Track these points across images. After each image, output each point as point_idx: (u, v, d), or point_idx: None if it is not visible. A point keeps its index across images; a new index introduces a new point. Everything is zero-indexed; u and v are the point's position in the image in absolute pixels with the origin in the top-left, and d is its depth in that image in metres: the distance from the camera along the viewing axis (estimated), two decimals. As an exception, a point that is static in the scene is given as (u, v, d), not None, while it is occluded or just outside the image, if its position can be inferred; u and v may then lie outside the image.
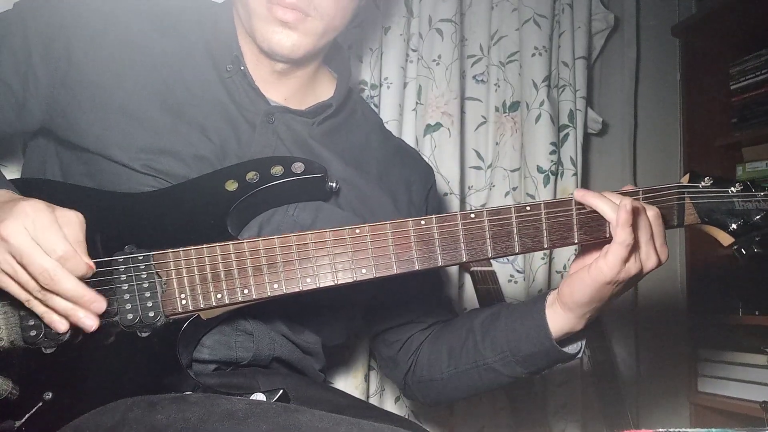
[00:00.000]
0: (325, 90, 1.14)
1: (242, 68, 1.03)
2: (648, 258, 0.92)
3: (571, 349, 1.02)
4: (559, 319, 0.98)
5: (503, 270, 1.96)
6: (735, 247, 0.96)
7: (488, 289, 1.81)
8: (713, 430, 0.75)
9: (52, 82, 0.97)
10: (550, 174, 1.91)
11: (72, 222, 0.80)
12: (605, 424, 1.92)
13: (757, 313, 2.14)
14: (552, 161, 1.91)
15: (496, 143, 1.99)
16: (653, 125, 2.44)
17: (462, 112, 1.91)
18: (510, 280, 1.97)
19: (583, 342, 1.03)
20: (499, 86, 1.99)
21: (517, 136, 1.97)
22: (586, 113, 2.07)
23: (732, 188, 0.95)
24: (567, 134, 1.97)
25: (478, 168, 1.98)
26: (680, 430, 0.71)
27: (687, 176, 0.98)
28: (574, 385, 2.01)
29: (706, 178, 0.96)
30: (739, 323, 2.22)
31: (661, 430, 0.71)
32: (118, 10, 1.00)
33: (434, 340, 1.16)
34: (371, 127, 1.20)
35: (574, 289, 0.94)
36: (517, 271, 1.97)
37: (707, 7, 2.40)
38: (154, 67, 1.00)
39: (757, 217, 0.94)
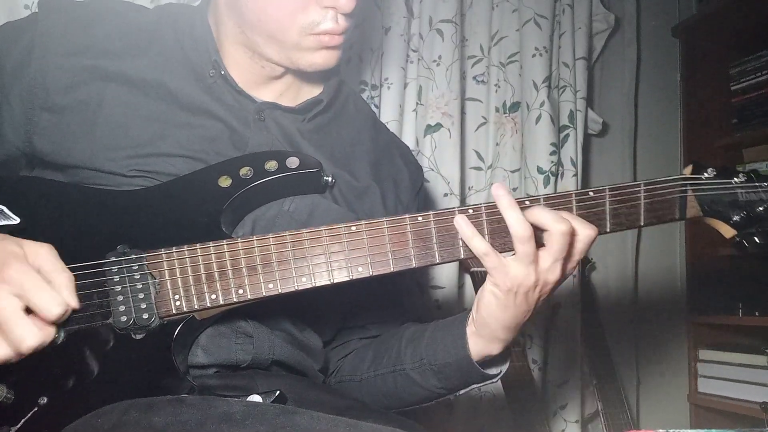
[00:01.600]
0: (317, 85, 1.12)
1: (222, 73, 1.02)
2: (551, 271, 0.87)
3: (489, 371, 0.97)
4: (474, 337, 0.94)
5: (503, 270, 1.95)
6: (737, 239, 0.92)
7: (488, 289, 1.81)
8: (713, 430, 0.74)
9: (30, 108, 0.96)
10: (550, 175, 1.90)
11: (45, 256, 0.78)
12: (605, 424, 1.92)
13: (757, 313, 2.13)
14: (552, 162, 1.90)
15: (497, 144, 1.98)
16: (653, 125, 2.44)
17: (462, 112, 1.91)
18: (510, 281, 1.97)
19: (505, 367, 0.99)
20: (499, 87, 1.99)
21: (517, 137, 1.97)
22: (586, 114, 2.06)
23: (735, 179, 0.91)
24: (567, 135, 1.97)
25: (479, 169, 1.98)
26: (680, 430, 0.71)
27: (690, 167, 0.94)
28: (574, 385, 2.01)
29: (709, 169, 0.92)
30: (739, 323, 2.22)
31: (661, 430, 0.70)
32: (86, 36, 0.99)
33: (365, 346, 1.15)
34: (364, 121, 1.18)
35: (480, 303, 0.91)
36: (517, 271, 1.97)
37: (707, 7, 2.40)
38: (134, 85, 0.98)
39: (760, 209, 0.90)
